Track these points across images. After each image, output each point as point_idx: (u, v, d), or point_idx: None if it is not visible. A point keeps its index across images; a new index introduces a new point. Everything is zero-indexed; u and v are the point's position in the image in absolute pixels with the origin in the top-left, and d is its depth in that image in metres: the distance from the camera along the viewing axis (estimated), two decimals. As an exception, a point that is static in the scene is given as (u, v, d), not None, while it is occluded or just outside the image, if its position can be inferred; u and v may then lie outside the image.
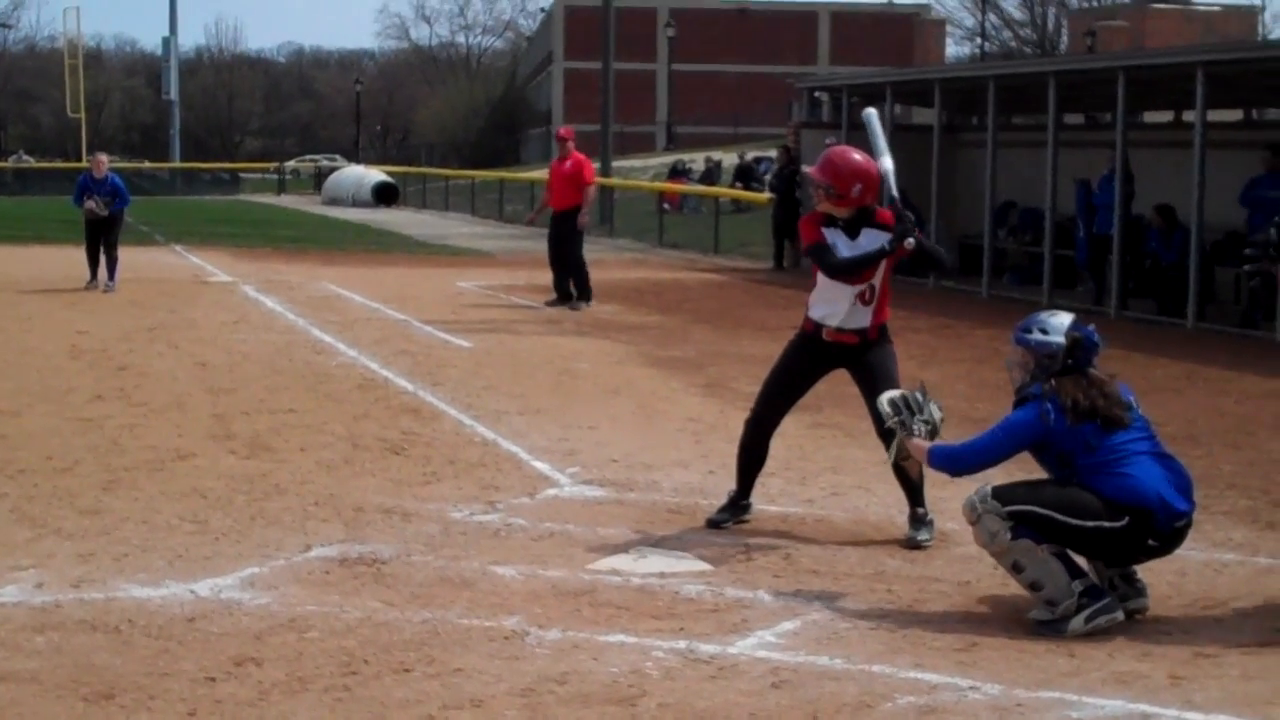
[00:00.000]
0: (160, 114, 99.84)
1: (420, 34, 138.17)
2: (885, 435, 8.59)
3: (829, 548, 8.99)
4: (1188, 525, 7.67)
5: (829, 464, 11.50)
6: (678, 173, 53.82)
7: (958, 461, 7.97)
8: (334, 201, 60.58)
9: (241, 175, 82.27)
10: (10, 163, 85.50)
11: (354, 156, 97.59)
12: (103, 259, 23.84)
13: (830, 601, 7.91)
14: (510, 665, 6.88)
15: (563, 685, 6.65)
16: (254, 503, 9.93)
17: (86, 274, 23.92)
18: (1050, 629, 7.46)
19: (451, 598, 7.87)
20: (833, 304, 9.39)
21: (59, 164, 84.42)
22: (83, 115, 79.96)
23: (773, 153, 41.25)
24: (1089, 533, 7.49)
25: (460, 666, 6.84)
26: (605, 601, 7.86)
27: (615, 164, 49.21)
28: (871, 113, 9.81)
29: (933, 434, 8.17)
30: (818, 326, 9.48)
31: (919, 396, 8.26)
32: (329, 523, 9.43)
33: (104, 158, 25.43)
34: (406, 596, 7.89)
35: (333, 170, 74.74)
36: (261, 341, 17.94)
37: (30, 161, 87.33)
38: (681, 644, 7.18)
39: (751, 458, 9.73)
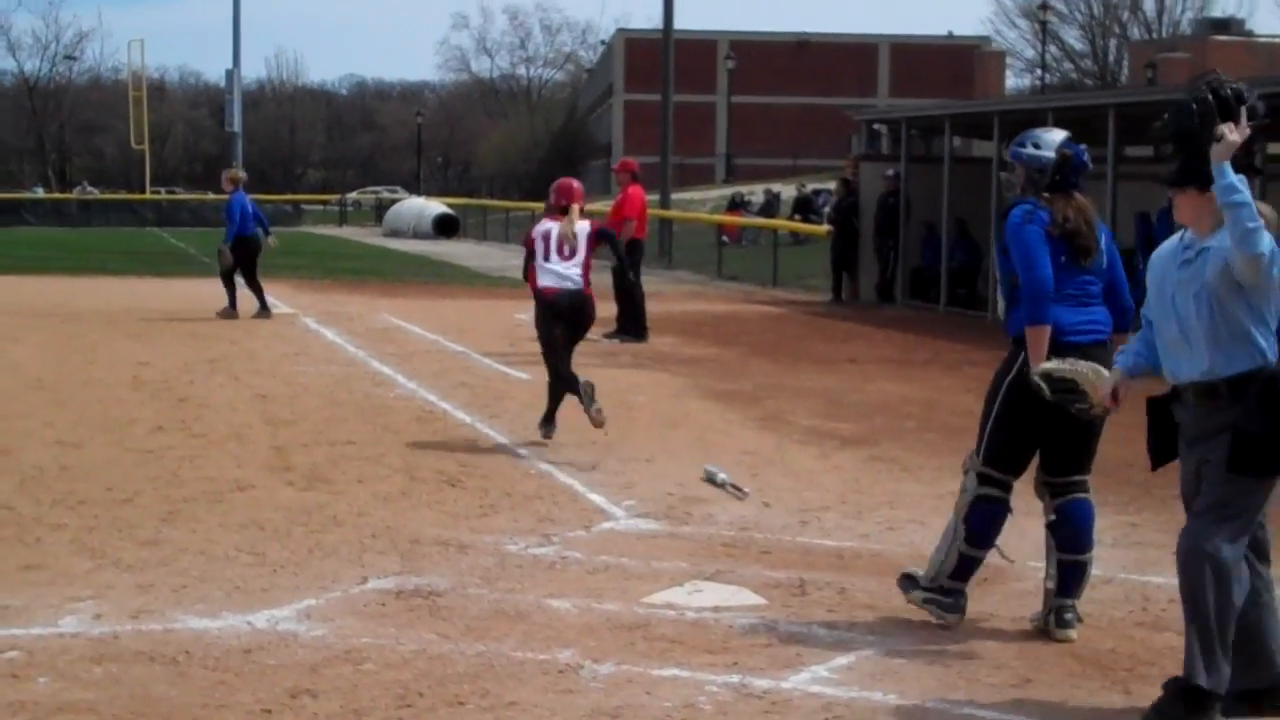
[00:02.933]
0: (223, 145, 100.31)
1: (481, 66, 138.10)
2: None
3: (884, 582, 8.95)
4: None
5: (885, 498, 11.48)
6: (736, 205, 53.89)
7: (1035, 301, 7.80)
8: (395, 233, 60.87)
9: (303, 207, 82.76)
10: (75, 194, 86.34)
11: (415, 188, 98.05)
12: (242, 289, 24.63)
13: (884, 637, 7.91)
14: (564, 699, 6.90)
15: (616, 719, 6.67)
16: (311, 534, 9.99)
17: (225, 301, 24.72)
18: (905, 583, 8.24)
19: (506, 630, 7.90)
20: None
21: (122, 195, 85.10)
22: (146, 147, 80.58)
23: (832, 185, 41.21)
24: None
25: (514, 700, 6.87)
26: (659, 635, 7.88)
27: (674, 196, 49.34)
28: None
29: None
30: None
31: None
32: (385, 555, 9.48)
33: (228, 172, 26.50)
34: (461, 629, 7.92)
35: (394, 202, 75.14)
36: (321, 373, 18.04)
37: (94, 193, 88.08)
38: (735, 678, 7.19)
39: None
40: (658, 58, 46.72)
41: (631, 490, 11.58)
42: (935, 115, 32.13)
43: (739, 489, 11.06)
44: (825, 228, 32.88)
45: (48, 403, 15.53)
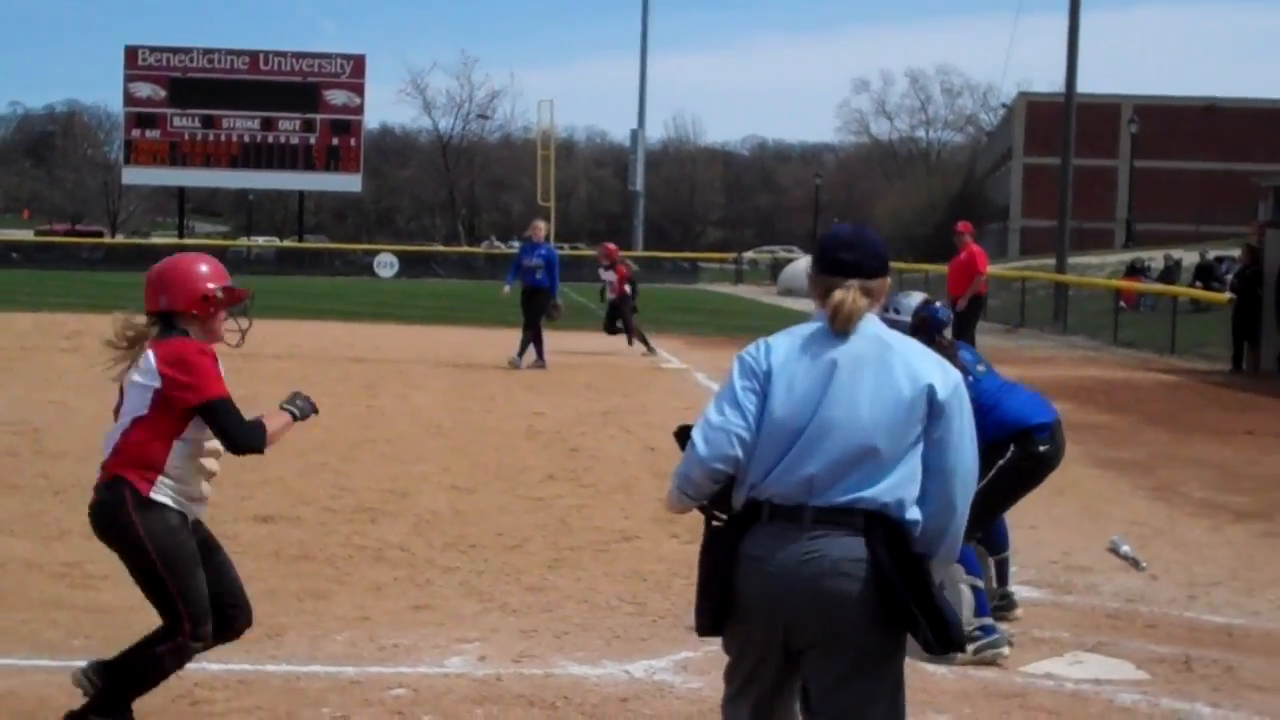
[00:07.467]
0: (626, 203, 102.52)
1: (880, 128, 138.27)
2: None
3: (1275, 662, 8.69)
4: (1060, 427, 9.05)
5: (1279, 575, 11.11)
6: (1135, 270, 52.78)
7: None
8: (789, 292, 61.29)
9: (700, 265, 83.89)
10: (482, 248, 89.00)
11: (811, 248, 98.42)
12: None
13: (1274, 719, 7.65)
14: (935, 763, 6.85)
15: (987, 787, 6.60)
16: (692, 587, 10.02)
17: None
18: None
19: (880, 692, 7.86)
20: None
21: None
22: (552, 204, 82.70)
23: (1236, 252, 40.07)
24: (999, 480, 8.69)
25: (885, 761, 6.83)
26: (1037, 705, 7.77)
27: (1071, 260, 48.56)
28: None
29: None
30: None
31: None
32: (764, 611, 9.51)
33: (542, 224, 27.71)
34: (835, 688, 7.91)
35: (789, 261, 75.62)
36: (709, 429, 18.18)
37: (500, 247, 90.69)
38: (1112, 753, 7.05)
39: None
40: (1059, 121, 46.09)
41: (1015, 556, 11.39)
42: (1349, 182, 31.00)
43: (1138, 563, 10.83)
44: (1227, 295, 31.96)
45: (445, 449, 16.04)
